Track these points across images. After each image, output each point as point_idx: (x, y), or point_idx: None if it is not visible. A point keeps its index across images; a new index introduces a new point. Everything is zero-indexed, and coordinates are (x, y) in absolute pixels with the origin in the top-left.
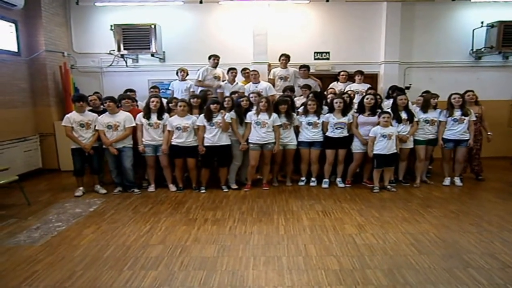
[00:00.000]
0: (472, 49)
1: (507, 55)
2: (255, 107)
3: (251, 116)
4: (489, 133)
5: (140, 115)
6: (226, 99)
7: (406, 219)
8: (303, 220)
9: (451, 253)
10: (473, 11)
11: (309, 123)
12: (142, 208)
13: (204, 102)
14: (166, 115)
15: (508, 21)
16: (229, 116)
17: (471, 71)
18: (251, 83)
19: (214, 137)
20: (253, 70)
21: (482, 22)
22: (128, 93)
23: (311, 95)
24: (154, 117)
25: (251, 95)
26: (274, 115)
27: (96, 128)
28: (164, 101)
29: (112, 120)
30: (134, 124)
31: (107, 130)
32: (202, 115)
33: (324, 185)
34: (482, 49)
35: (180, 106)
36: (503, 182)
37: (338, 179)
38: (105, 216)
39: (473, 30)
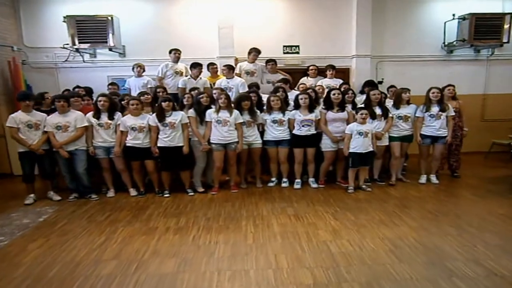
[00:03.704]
0: (444, 43)
1: (478, 49)
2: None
3: (210, 114)
4: (465, 129)
5: (89, 115)
6: (186, 96)
7: (384, 222)
8: (273, 225)
9: (433, 260)
10: (445, 3)
11: (274, 121)
12: (98, 217)
13: (156, 99)
14: (118, 115)
15: (479, 13)
16: (184, 115)
17: (443, 65)
18: (223, 78)
19: (168, 138)
20: (227, 65)
21: (453, 15)
22: (76, 90)
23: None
24: (104, 117)
25: (214, 91)
26: (236, 112)
27: (45, 129)
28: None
29: (62, 120)
30: (86, 124)
31: (56, 131)
32: (154, 115)
33: (296, 186)
34: (454, 42)
35: (133, 105)
36: (479, 178)
37: (311, 179)
38: (56, 227)
39: (445, 22)
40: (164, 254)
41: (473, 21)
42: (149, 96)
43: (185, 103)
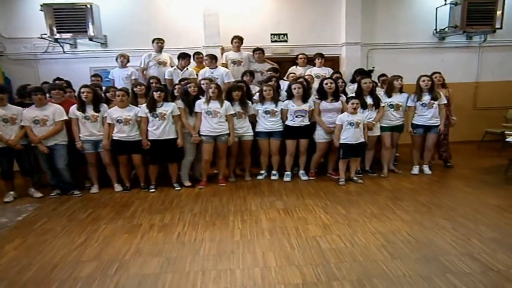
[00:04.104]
0: (435, 29)
1: (471, 35)
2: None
3: (200, 105)
4: (453, 117)
5: (73, 108)
6: (176, 87)
7: (376, 216)
8: (262, 221)
9: (427, 255)
10: None
11: (266, 112)
12: (80, 214)
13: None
14: (104, 106)
15: None
16: (176, 106)
17: (435, 52)
18: (206, 68)
19: (158, 130)
20: (209, 54)
21: (445, 0)
22: (57, 82)
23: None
24: (90, 110)
25: (202, 81)
26: (227, 103)
27: (22, 124)
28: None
29: (39, 114)
30: (65, 118)
31: (34, 126)
32: (144, 105)
33: (286, 179)
34: (446, 29)
35: (119, 96)
36: (472, 169)
37: (301, 171)
38: (35, 226)
39: (436, 8)
40: (147, 253)
41: (466, 6)
42: (143, 87)
43: (176, 94)
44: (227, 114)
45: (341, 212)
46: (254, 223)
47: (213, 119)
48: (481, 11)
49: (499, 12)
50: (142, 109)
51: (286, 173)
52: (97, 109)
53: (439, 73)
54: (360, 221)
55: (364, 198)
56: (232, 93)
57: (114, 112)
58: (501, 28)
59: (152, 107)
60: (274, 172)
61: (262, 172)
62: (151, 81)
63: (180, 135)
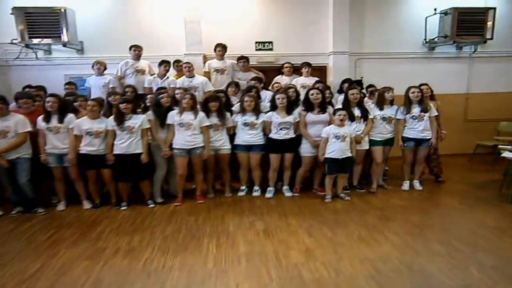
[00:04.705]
0: (425, 39)
1: (461, 46)
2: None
3: (173, 117)
4: (442, 131)
5: (40, 119)
6: (149, 97)
7: (364, 239)
8: (239, 245)
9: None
10: None
11: (245, 124)
12: (40, 236)
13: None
14: (69, 117)
15: (462, 7)
16: (146, 119)
17: (425, 63)
18: (184, 77)
19: (124, 144)
20: (186, 62)
21: (435, 9)
22: (27, 89)
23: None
24: (54, 120)
25: (177, 91)
26: (201, 114)
27: None
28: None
29: (0, 125)
30: (29, 129)
31: None
32: (111, 118)
33: (268, 195)
34: (436, 39)
35: (89, 106)
36: (466, 184)
37: (285, 187)
38: None
39: (426, 18)
40: (107, 284)
41: (456, 16)
42: (118, 96)
43: (147, 104)
44: (201, 126)
45: (327, 235)
46: (230, 247)
47: (186, 132)
48: (471, 21)
49: (489, 23)
50: (109, 122)
51: (268, 188)
52: (61, 120)
53: (427, 84)
54: (347, 245)
55: (351, 218)
56: (208, 104)
57: (84, 123)
58: (491, 38)
59: (119, 120)
60: (256, 187)
61: (243, 187)
62: (127, 90)
63: (144, 150)
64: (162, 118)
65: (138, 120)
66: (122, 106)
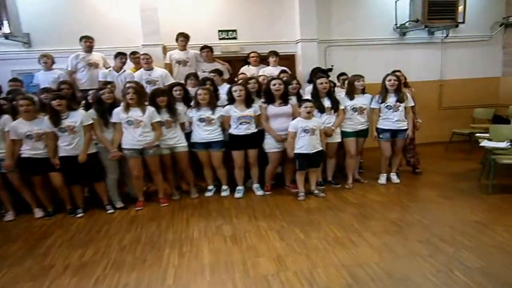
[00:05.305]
0: (396, 24)
1: (433, 31)
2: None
3: (118, 114)
4: (418, 120)
5: None
6: (90, 92)
7: (339, 241)
8: (203, 254)
9: None
10: None
11: (201, 119)
12: None
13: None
14: (4, 118)
15: None
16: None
17: (397, 49)
18: (142, 70)
19: (69, 146)
20: (144, 54)
21: None
22: None
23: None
24: None
25: (127, 85)
26: (150, 109)
27: None
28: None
29: None
30: None
31: None
32: (46, 118)
33: (237, 195)
34: (407, 24)
35: (22, 106)
36: (443, 174)
37: (255, 185)
38: None
39: (396, 1)
40: None
41: None
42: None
43: (89, 101)
44: (152, 122)
45: (299, 237)
46: (194, 258)
47: (136, 130)
48: (442, 5)
49: (461, 7)
50: (45, 123)
51: (237, 188)
52: None
53: (399, 71)
54: (321, 249)
55: (326, 217)
56: (156, 99)
57: (21, 126)
58: (463, 22)
59: (55, 120)
60: (224, 187)
61: (210, 187)
62: (62, 86)
63: (84, 149)
64: (105, 116)
65: (78, 118)
66: (54, 103)
